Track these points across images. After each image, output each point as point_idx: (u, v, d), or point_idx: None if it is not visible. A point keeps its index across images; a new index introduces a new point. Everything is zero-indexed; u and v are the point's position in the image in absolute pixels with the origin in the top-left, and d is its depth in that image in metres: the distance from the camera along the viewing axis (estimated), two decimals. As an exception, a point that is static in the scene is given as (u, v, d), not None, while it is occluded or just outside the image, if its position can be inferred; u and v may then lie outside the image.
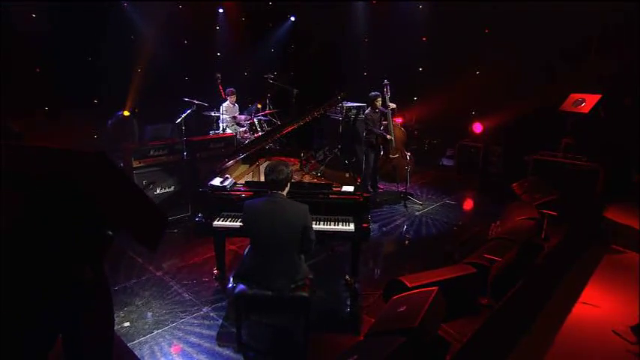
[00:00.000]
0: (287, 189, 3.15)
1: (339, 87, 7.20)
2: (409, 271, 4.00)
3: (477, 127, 8.21)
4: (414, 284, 3.35)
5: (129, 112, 7.02)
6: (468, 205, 6.78)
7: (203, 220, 3.77)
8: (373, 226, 5.40)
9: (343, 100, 4.24)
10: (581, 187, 5.93)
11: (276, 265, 3.01)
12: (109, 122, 6.88)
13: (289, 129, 4.18)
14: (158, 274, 4.35)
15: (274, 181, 3.06)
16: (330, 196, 3.82)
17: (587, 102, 6.15)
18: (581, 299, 4.19)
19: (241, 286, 3.10)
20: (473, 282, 3.57)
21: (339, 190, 3.87)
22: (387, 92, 6.48)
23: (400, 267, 4.50)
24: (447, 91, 7.97)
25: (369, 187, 6.80)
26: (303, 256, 3.30)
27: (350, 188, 3.87)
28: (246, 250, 3.26)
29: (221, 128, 7.01)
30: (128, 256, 4.64)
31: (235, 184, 4.03)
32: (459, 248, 4.85)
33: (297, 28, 9.93)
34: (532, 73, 7.18)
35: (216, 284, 4.15)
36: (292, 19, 9.86)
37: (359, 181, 4.10)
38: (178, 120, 6.75)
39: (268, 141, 4.37)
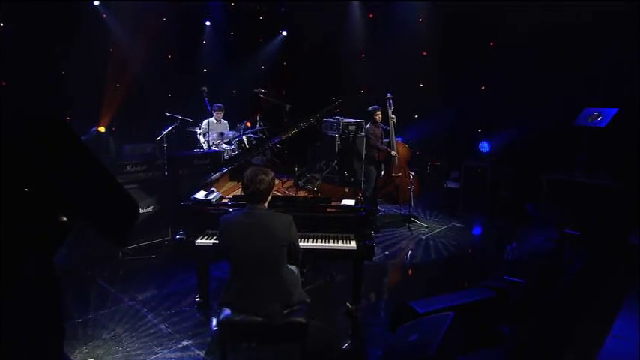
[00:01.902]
0: (268, 200, 2.99)
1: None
2: (418, 298, 3.79)
3: (484, 147, 8.15)
4: (425, 309, 3.17)
5: (104, 128, 6.87)
6: (478, 228, 6.72)
7: (184, 237, 3.58)
8: (378, 251, 5.30)
9: (339, 105, 4.19)
10: (602, 208, 5.84)
11: (264, 288, 2.83)
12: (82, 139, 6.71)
13: (282, 137, 4.07)
14: (131, 303, 4.12)
15: (254, 194, 2.88)
16: (328, 210, 3.69)
17: (604, 116, 6.14)
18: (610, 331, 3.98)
19: (227, 312, 2.89)
20: (492, 307, 3.40)
21: (339, 205, 3.73)
22: (390, 106, 6.44)
23: (407, 293, 4.36)
24: (451, 108, 7.98)
25: None
26: (298, 276, 3.11)
27: (350, 202, 3.74)
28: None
29: (206, 146, 6.87)
30: (96, 284, 4.44)
31: (222, 198, 3.88)
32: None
33: (290, 44, 9.99)
34: (541, 86, 7.19)
35: (198, 314, 3.93)
36: (284, 33, 9.93)
37: (360, 195, 3.96)
38: (160, 137, 6.64)
39: (259, 151, 4.24)
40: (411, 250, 5.59)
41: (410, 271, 5.06)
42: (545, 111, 6.96)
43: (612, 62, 6.58)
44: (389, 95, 6.47)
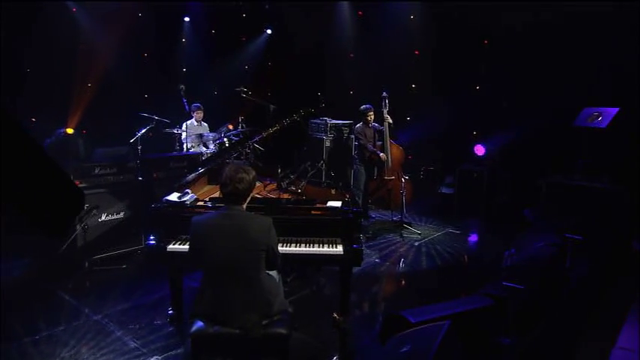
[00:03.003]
0: (247, 202, 2.87)
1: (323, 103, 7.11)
2: (410, 307, 3.69)
3: (479, 150, 8.13)
4: (418, 319, 3.05)
5: (72, 129, 6.69)
6: (474, 234, 6.71)
7: (155, 243, 3.43)
8: (366, 257, 5.25)
9: (324, 102, 4.12)
10: (604, 213, 5.80)
11: (240, 297, 2.70)
12: (47, 142, 6.54)
13: (264, 134, 3.96)
14: (96, 317, 3.95)
15: (233, 194, 2.75)
16: (313, 212, 3.60)
17: (604, 116, 6.12)
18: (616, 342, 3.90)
19: (199, 324, 2.75)
20: (490, 316, 3.29)
21: (324, 206, 3.62)
22: (385, 106, 6.37)
23: (399, 303, 4.32)
24: (444, 109, 7.96)
25: None
26: (280, 283, 2.98)
27: (337, 204, 3.64)
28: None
29: (184, 148, 6.73)
30: (58, 298, 4.26)
31: (197, 200, 3.74)
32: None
33: (275, 42, 9.91)
34: (539, 86, 7.19)
35: (170, 328, 3.78)
36: (269, 32, 9.86)
37: (347, 197, 3.86)
38: (134, 139, 6.49)
39: (238, 149, 4.13)
40: (404, 257, 5.54)
41: (402, 280, 5.00)
42: (543, 111, 6.96)
43: (613, 60, 6.59)
44: (384, 94, 6.41)
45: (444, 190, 8.59)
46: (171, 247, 3.43)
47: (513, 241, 5.07)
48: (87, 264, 4.81)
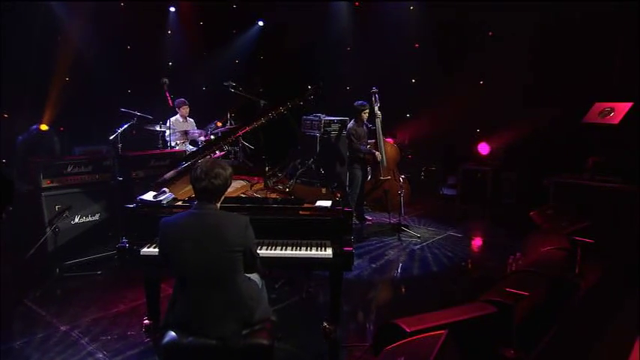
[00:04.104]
0: (221, 200, 2.77)
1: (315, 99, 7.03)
2: (406, 315, 3.59)
3: (483, 148, 8.18)
4: (413, 328, 2.96)
5: (47, 126, 6.58)
6: (477, 237, 6.67)
7: (127, 245, 3.31)
8: (361, 262, 5.30)
9: (315, 92, 4.02)
10: (616, 215, 5.73)
11: (217, 304, 2.60)
12: (20, 139, 6.44)
13: (248, 128, 3.89)
14: (64, 328, 3.84)
15: (207, 190, 2.64)
16: (301, 212, 3.50)
17: (617, 111, 6.04)
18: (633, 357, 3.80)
19: (171, 335, 2.64)
20: (493, 325, 3.18)
21: (312, 207, 3.52)
22: (375, 102, 6.36)
23: (395, 311, 4.25)
24: (446, 105, 7.94)
25: (354, 219, 6.55)
26: (263, 289, 2.93)
27: (326, 203, 3.54)
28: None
29: (169, 146, 6.66)
30: (25, 308, 4.16)
31: (175, 199, 3.63)
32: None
33: (267, 35, 9.85)
34: (546, 80, 7.15)
35: (145, 339, 3.66)
36: (260, 23, 9.81)
37: (338, 196, 3.75)
38: (113, 136, 6.40)
39: (225, 146, 4.03)
40: (401, 262, 5.49)
41: (398, 286, 4.95)
42: (550, 107, 6.92)
43: (625, 52, 6.53)
44: (374, 89, 6.42)
45: (446, 191, 8.70)
46: (145, 250, 3.31)
47: (519, 245, 4.99)
48: (57, 270, 4.71)
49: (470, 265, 5.43)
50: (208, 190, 2.64)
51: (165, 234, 2.64)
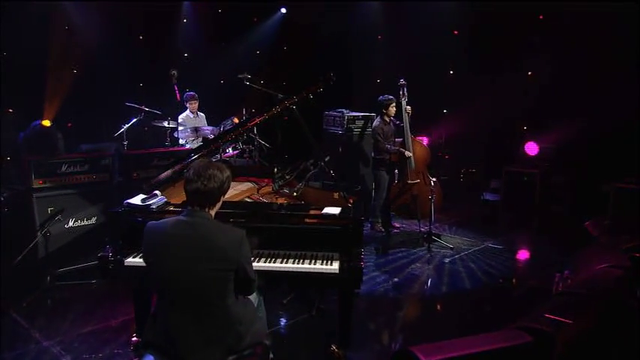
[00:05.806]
0: (218, 207, 2.65)
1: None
2: (428, 341, 3.41)
3: (532, 149, 8.13)
4: (432, 358, 2.75)
5: (49, 121, 6.67)
6: (520, 250, 6.57)
7: (110, 254, 3.24)
8: (381, 275, 5.28)
9: (321, 88, 3.95)
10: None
11: (200, 328, 2.47)
12: (22, 136, 6.57)
13: (258, 120, 3.94)
14: (46, 344, 3.81)
15: (199, 193, 2.52)
16: (306, 220, 3.37)
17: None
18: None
19: (149, 358, 2.53)
20: (527, 358, 2.95)
21: (319, 214, 3.39)
22: (403, 95, 6.30)
23: (414, 336, 4.22)
24: (487, 100, 7.85)
25: (379, 227, 6.64)
26: (260, 307, 2.88)
27: (334, 210, 3.40)
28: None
29: (179, 144, 6.67)
30: (9, 319, 4.17)
31: (167, 203, 3.52)
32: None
33: (291, 23, 9.80)
34: (606, 70, 6.90)
35: (133, 357, 3.60)
36: (283, 10, 9.80)
37: (351, 202, 3.59)
38: (118, 133, 6.43)
39: (227, 139, 4.22)
40: (428, 277, 5.39)
41: (421, 306, 4.91)
42: (611, 102, 6.77)
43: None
44: (402, 82, 6.30)
45: (488, 196, 8.64)
46: (130, 260, 3.24)
47: (569, 261, 4.76)
48: (48, 278, 4.71)
49: (509, 283, 5.29)
50: (200, 194, 2.52)
51: (150, 241, 2.54)
